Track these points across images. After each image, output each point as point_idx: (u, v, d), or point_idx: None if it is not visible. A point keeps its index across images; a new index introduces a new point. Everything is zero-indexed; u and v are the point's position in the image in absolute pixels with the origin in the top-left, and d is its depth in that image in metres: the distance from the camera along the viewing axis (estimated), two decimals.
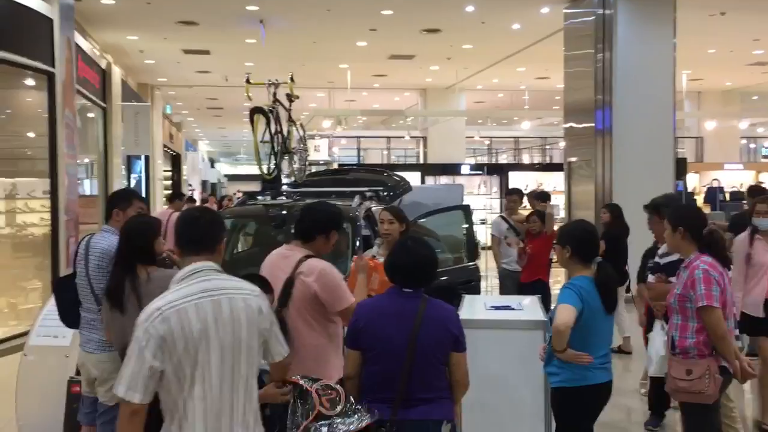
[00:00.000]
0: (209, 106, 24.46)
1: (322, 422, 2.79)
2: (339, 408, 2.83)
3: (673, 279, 4.38)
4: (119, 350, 3.61)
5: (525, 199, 9.58)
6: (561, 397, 3.53)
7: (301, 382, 2.91)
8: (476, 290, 6.20)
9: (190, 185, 26.68)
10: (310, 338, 3.42)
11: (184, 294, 2.40)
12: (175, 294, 2.41)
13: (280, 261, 3.60)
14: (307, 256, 3.49)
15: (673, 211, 3.77)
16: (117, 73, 14.42)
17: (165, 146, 20.98)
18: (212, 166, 40.59)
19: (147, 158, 17.63)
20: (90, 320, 3.90)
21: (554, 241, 3.84)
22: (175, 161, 24.11)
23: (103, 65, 13.51)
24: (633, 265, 5.19)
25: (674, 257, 4.27)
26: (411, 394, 2.93)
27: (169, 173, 23.16)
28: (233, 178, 43.97)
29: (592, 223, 3.92)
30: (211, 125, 30.97)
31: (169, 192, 21.36)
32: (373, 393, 2.99)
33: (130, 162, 16.55)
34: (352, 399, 2.91)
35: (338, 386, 2.95)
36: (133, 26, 12.96)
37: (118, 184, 13.61)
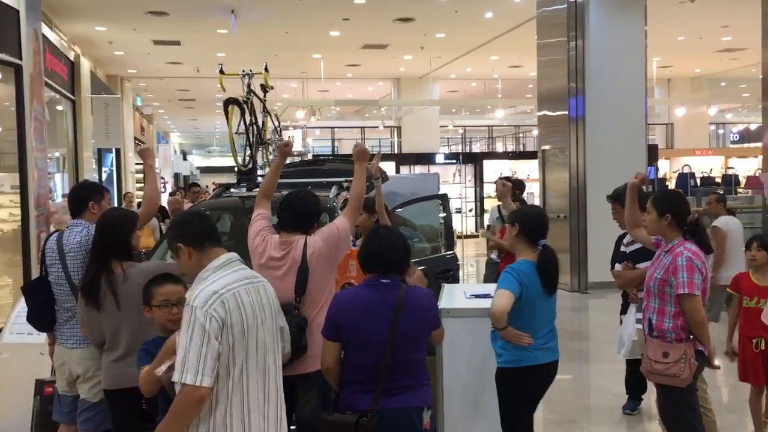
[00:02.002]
0: (181, 98, 24.19)
1: None
2: None
3: (640, 265, 4.45)
4: (97, 345, 3.57)
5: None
6: (502, 377, 3.60)
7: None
8: (455, 279, 6.23)
9: (163, 178, 26.38)
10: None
11: (234, 279, 2.50)
12: (226, 278, 2.48)
13: (277, 249, 3.56)
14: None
15: (660, 198, 3.80)
16: (86, 65, 14.16)
17: (136, 139, 20.71)
18: (184, 159, 40.12)
19: (118, 151, 17.38)
20: (71, 317, 3.82)
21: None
22: None
23: (72, 57, 13.26)
24: (606, 252, 5.22)
25: (639, 245, 4.33)
26: (392, 382, 2.95)
27: (141, 166, 22.88)
28: (206, 170, 43.61)
29: (545, 211, 3.99)
30: (182, 117, 30.64)
31: (142, 185, 21.14)
32: (355, 384, 2.99)
33: (100, 155, 16.30)
34: None
35: None
36: (102, 17, 12.75)
37: (89, 178, 13.40)
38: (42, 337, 4.52)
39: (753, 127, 24.87)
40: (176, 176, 32.41)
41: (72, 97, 13.13)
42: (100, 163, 16.32)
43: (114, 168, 17.65)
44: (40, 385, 4.20)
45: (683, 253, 3.54)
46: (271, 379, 2.53)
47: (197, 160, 46.87)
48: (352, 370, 3.01)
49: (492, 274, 7.50)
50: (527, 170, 18.56)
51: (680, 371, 3.49)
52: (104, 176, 16.63)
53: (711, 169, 20.11)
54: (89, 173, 13.76)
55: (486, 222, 8.40)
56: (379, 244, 3.12)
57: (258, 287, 2.55)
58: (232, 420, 2.39)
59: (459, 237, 7.86)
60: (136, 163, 21.41)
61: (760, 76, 7.72)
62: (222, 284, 2.44)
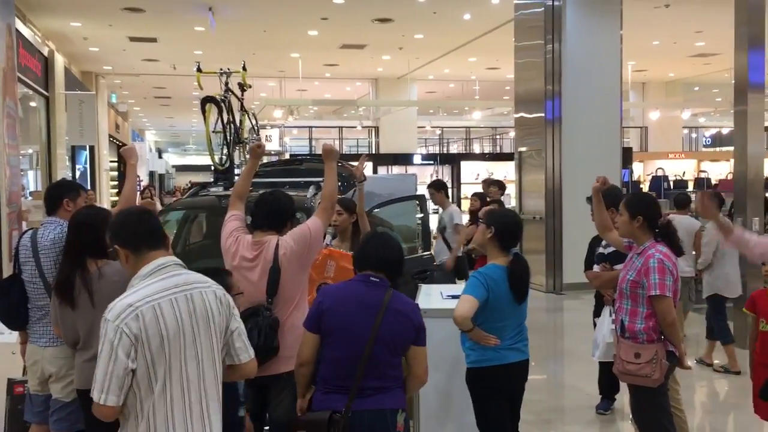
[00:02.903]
0: (157, 95, 23.95)
1: None
2: None
3: (618, 267, 4.50)
4: (70, 344, 3.53)
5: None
6: (471, 377, 3.64)
7: None
8: (432, 279, 6.24)
9: (138, 176, 26.12)
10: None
11: (157, 289, 2.33)
12: (147, 289, 2.33)
13: (249, 250, 3.55)
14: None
15: (632, 200, 3.84)
16: (60, 61, 13.98)
17: (111, 136, 20.48)
18: (160, 157, 39.74)
19: (92, 149, 17.17)
20: (43, 315, 3.77)
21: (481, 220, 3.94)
22: None
23: (46, 53, 13.08)
24: (581, 254, 5.29)
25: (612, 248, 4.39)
26: (366, 383, 2.94)
27: (116, 164, 22.63)
28: (182, 168, 43.28)
29: (519, 217, 4.00)
30: (158, 115, 30.34)
31: (116, 183, 20.91)
32: (329, 381, 2.98)
33: (74, 153, 16.09)
34: None
35: None
36: (77, 12, 12.58)
37: (62, 175, 13.22)
38: (13, 336, 4.46)
39: (725, 131, 25.28)
40: (151, 174, 32.10)
41: (46, 93, 12.96)
42: (73, 161, 16.11)
43: (88, 165, 17.43)
44: (10, 385, 4.15)
45: (655, 255, 3.59)
46: (208, 394, 2.37)
47: (173, 158, 46.45)
48: (328, 367, 3.00)
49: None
50: (504, 171, 18.65)
51: (652, 372, 3.54)
52: (78, 174, 16.43)
53: (684, 172, 20.39)
54: (62, 171, 13.58)
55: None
56: (375, 246, 3.14)
57: (191, 295, 2.37)
58: None
59: (434, 237, 7.92)
60: (111, 161, 21.19)
61: (733, 81, 7.85)
62: (141, 295, 2.30)
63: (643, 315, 3.61)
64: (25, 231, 4.02)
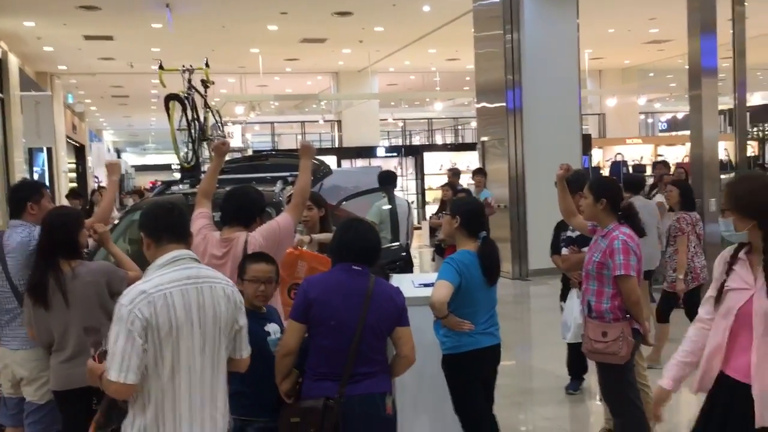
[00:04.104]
0: (114, 94, 23.57)
1: None
2: None
3: (585, 249, 4.63)
4: (44, 346, 3.51)
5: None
6: (447, 363, 3.73)
7: None
8: (403, 270, 6.32)
9: (96, 177, 25.68)
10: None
11: (170, 279, 2.44)
12: (161, 278, 2.44)
13: (218, 248, 3.57)
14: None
15: (596, 183, 3.97)
16: (14, 62, 13.70)
17: (68, 137, 20.12)
18: (119, 157, 39.09)
19: (50, 150, 16.85)
20: (12, 318, 3.74)
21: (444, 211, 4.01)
22: (79, 153, 23.18)
23: None
24: (545, 240, 5.41)
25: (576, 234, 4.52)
26: (356, 369, 2.99)
27: (74, 165, 22.24)
28: (141, 168, 42.59)
29: (481, 203, 4.11)
30: (116, 114, 29.83)
31: (75, 185, 20.55)
32: (319, 368, 3.02)
33: (31, 155, 15.78)
34: None
35: None
36: (30, 12, 12.31)
37: (20, 178, 12.97)
38: None
39: (680, 115, 25.83)
40: None
41: (0, 95, 12.68)
42: (31, 163, 15.80)
43: (46, 168, 17.11)
44: None
45: (619, 236, 3.72)
46: (207, 385, 2.47)
47: (132, 158, 45.67)
48: (317, 355, 3.03)
49: None
50: (467, 162, 18.82)
51: (619, 349, 3.67)
52: (36, 176, 16.11)
53: (642, 157, 20.80)
54: (20, 174, 13.32)
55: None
56: (354, 235, 3.17)
57: (202, 288, 2.49)
58: (164, 421, 2.38)
59: (416, 228, 8.06)
60: (69, 162, 20.82)
61: (686, 67, 8.08)
62: (154, 284, 2.42)
63: (608, 295, 3.73)
64: None
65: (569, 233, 4.90)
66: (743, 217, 2.62)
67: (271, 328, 3.22)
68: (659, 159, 11.83)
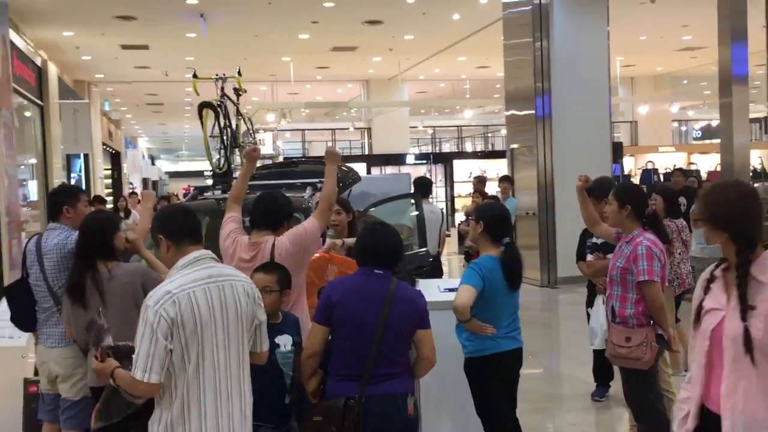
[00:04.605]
0: (149, 102, 24.03)
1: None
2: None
3: (610, 256, 4.65)
4: (82, 346, 3.65)
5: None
6: (470, 366, 3.78)
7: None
8: (431, 275, 6.38)
9: (131, 183, 26.18)
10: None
11: (193, 279, 2.53)
12: (184, 278, 2.53)
13: (246, 251, 3.68)
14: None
15: (621, 190, 4.01)
16: (53, 70, 14.07)
17: (104, 144, 20.57)
18: (153, 164, 39.77)
19: (86, 157, 17.25)
20: (49, 317, 3.90)
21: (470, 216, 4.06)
22: (115, 159, 23.67)
23: (39, 62, 13.17)
24: (574, 248, 5.42)
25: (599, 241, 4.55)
26: (377, 369, 3.07)
27: (109, 171, 22.71)
28: (175, 175, 43.26)
29: (507, 208, 4.17)
30: (150, 121, 30.41)
31: (111, 190, 20.99)
32: (341, 369, 3.11)
33: (69, 161, 16.18)
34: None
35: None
36: (69, 22, 12.67)
37: (58, 184, 13.30)
38: (23, 341, 4.59)
39: (714, 123, 25.49)
40: (144, 181, 32.16)
41: (40, 102, 13.04)
42: (68, 169, 16.19)
43: (83, 174, 17.52)
44: (26, 384, 4.28)
45: (643, 242, 3.75)
46: (234, 378, 2.56)
47: (165, 165, 46.45)
48: (339, 356, 3.12)
49: None
50: (496, 169, 18.80)
51: (642, 354, 3.69)
52: (73, 182, 16.51)
53: (674, 165, 20.55)
54: (58, 180, 13.66)
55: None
56: (376, 239, 3.25)
57: (223, 286, 2.57)
58: (190, 415, 2.46)
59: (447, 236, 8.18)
60: (105, 168, 21.27)
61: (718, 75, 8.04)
62: (178, 284, 2.51)
63: (632, 300, 3.76)
64: (32, 236, 4.16)
65: (594, 240, 4.92)
66: (715, 230, 2.34)
67: (282, 339, 3.23)
68: (676, 168, 11.74)
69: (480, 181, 9.74)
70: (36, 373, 4.14)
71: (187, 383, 2.46)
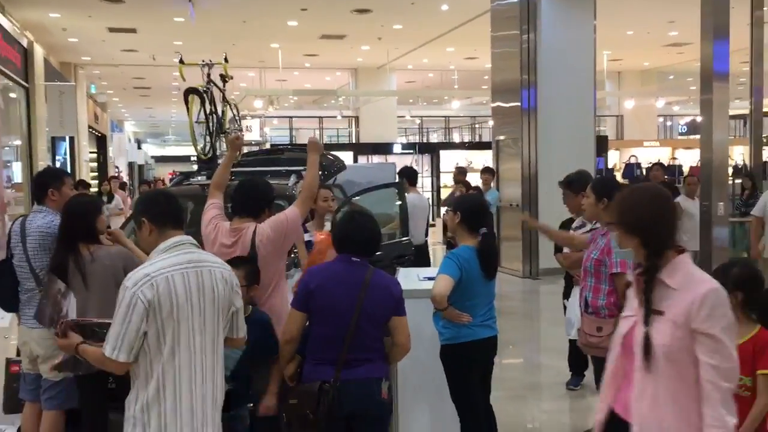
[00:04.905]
0: (136, 86, 23.89)
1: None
2: None
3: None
4: (46, 323, 3.70)
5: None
6: (446, 353, 3.87)
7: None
8: (412, 264, 6.46)
9: (117, 167, 26.05)
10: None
11: (171, 263, 2.57)
12: (164, 262, 2.57)
13: (227, 237, 3.74)
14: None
15: (599, 184, 4.11)
16: (39, 52, 13.97)
17: (90, 127, 20.45)
18: (139, 148, 39.52)
19: (72, 140, 17.16)
20: (31, 297, 3.95)
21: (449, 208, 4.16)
22: (101, 142, 23.53)
23: (25, 44, 13.07)
24: None
25: (586, 228, 4.63)
26: (353, 354, 3.15)
27: (95, 155, 22.59)
28: (161, 159, 43.04)
29: (485, 199, 4.27)
30: (137, 105, 30.23)
31: (96, 174, 20.89)
32: (318, 353, 3.19)
33: (54, 144, 16.09)
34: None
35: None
36: (56, 3, 12.58)
37: (43, 167, 13.24)
38: (5, 321, 4.63)
39: (699, 119, 25.74)
40: (130, 165, 31.98)
41: (26, 84, 12.97)
42: (53, 152, 16.11)
43: (68, 156, 17.43)
44: (8, 364, 4.32)
45: None
46: (208, 362, 2.60)
47: (152, 149, 46.16)
48: (316, 341, 3.20)
49: None
50: (483, 160, 18.91)
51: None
52: (58, 164, 16.42)
53: (659, 160, 20.76)
54: (43, 162, 13.61)
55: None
56: (354, 227, 3.32)
57: (201, 271, 2.61)
58: (165, 396, 2.51)
59: (431, 225, 8.27)
60: (90, 152, 21.16)
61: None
62: (157, 267, 2.54)
63: (605, 291, 3.86)
64: (17, 217, 4.20)
65: (572, 232, 5.01)
66: (627, 234, 2.29)
67: None
68: (656, 162, 11.91)
69: (461, 172, 9.88)
70: (18, 354, 4.18)
71: (163, 365, 2.51)
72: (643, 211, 2.28)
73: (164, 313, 2.50)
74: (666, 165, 10.52)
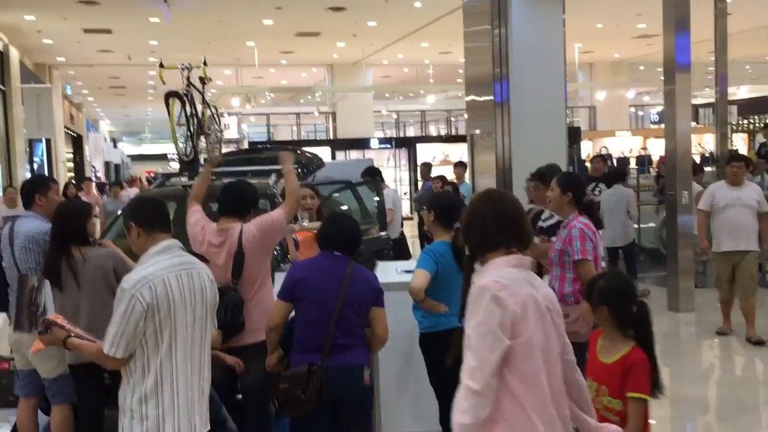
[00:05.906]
0: (111, 85, 23.82)
1: None
2: None
3: (554, 239, 5.00)
4: (25, 329, 3.89)
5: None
6: (424, 341, 4.12)
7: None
8: (396, 257, 6.69)
9: (94, 167, 25.95)
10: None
11: (166, 266, 2.76)
12: (158, 265, 2.75)
13: (215, 237, 3.95)
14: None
15: (564, 177, 4.36)
16: (15, 55, 13.97)
17: (66, 128, 20.40)
18: (115, 147, 39.24)
19: (48, 141, 17.15)
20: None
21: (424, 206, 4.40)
22: (77, 143, 23.46)
23: (0, 47, 13.06)
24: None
25: (554, 220, 4.88)
26: (336, 341, 3.40)
27: (71, 155, 22.52)
28: (138, 158, 42.76)
29: (457, 196, 4.48)
30: (112, 104, 30.08)
31: (72, 174, 20.83)
32: (305, 341, 3.43)
33: (31, 146, 16.08)
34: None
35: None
36: (31, 5, 12.58)
37: (21, 169, 13.28)
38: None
39: None
40: (107, 165, 31.80)
41: (2, 87, 12.97)
42: (31, 154, 16.10)
43: (45, 158, 17.41)
44: None
45: (576, 225, 4.11)
46: (196, 355, 2.80)
47: (128, 147, 45.85)
48: (302, 328, 3.44)
49: None
50: (459, 153, 19.16)
51: (579, 328, 4.04)
52: (36, 166, 16.42)
53: (631, 150, 21.19)
54: (21, 164, 13.63)
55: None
56: (335, 228, 3.61)
57: (191, 273, 2.80)
58: (163, 388, 2.71)
59: (406, 219, 8.53)
60: (67, 152, 21.10)
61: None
62: (153, 270, 2.70)
63: (570, 279, 4.12)
64: (7, 222, 4.38)
65: (540, 223, 5.26)
66: (463, 236, 2.47)
67: None
68: (603, 153, 12.37)
69: (427, 167, 10.33)
70: (11, 351, 4.34)
71: (161, 360, 2.71)
72: (466, 216, 2.42)
73: (162, 314, 2.69)
74: (605, 156, 10.93)
